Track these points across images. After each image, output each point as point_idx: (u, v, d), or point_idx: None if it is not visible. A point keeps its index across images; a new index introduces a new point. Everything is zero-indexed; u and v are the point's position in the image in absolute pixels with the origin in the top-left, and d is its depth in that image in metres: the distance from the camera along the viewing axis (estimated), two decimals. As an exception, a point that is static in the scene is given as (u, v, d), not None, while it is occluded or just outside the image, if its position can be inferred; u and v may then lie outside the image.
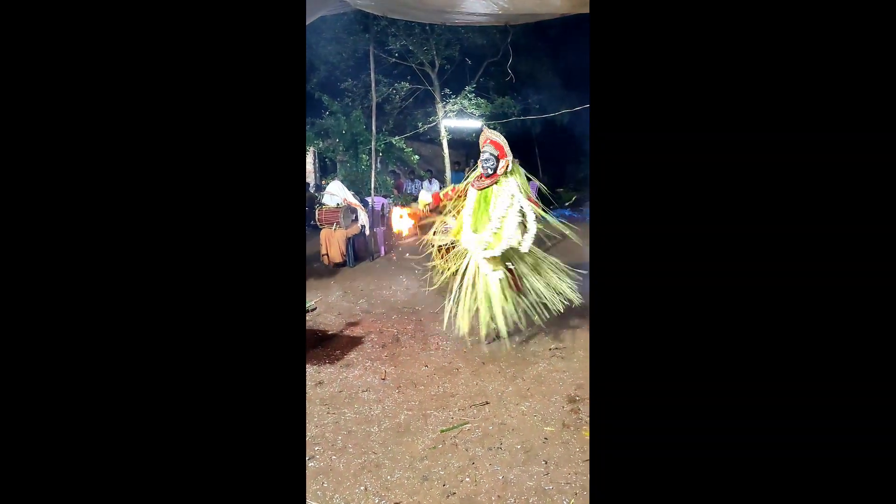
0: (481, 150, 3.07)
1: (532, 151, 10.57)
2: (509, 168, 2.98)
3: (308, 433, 2.26)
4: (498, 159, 3.00)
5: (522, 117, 8.39)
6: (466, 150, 10.24)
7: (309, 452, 2.10)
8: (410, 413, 2.42)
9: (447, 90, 8.46)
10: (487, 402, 2.51)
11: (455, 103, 8.27)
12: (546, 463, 2.01)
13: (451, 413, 2.42)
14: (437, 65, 8.24)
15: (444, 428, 2.28)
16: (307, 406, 2.50)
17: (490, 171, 3.00)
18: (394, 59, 8.08)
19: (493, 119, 8.44)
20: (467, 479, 1.92)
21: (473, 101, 8.25)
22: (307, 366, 2.95)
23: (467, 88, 8.30)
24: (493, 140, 3.03)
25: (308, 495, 1.84)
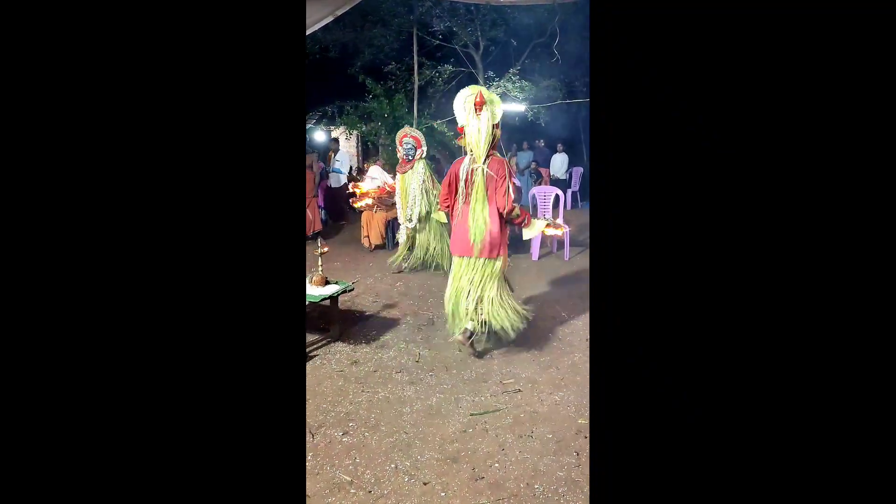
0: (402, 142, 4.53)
1: (577, 136, 10.24)
2: (423, 155, 4.45)
3: (343, 409, 2.32)
4: (416, 148, 4.42)
5: (568, 101, 8.12)
6: (508, 133, 10.05)
7: (343, 428, 2.17)
8: (442, 396, 2.44)
9: (491, 73, 8.29)
10: (520, 390, 2.49)
11: (498, 86, 8.10)
12: (578, 454, 1.98)
13: (482, 398, 2.42)
14: (482, 46, 8.08)
15: (475, 412, 2.29)
16: (343, 383, 2.57)
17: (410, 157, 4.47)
18: (437, 41, 8.00)
19: (538, 103, 8.22)
20: (496, 465, 1.92)
21: (517, 84, 8.05)
22: (343, 344, 3.03)
23: (511, 71, 8.11)
24: (413, 135, 4.48)
25: (340, 469, 1.90)
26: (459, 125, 2.78)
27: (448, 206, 2.89)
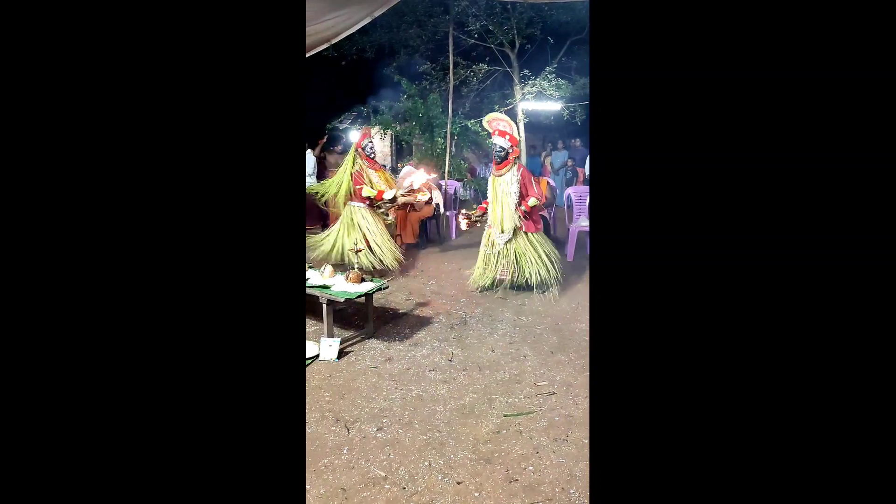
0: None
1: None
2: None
3: (377, 405, 2.35)
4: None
5: (605, 99, 7.92)
6: (543, 133, 9.92)
7: (378, 424, 2.19)
8: (475, 396, 2.44)
9: (526, 71, 8.20)
10: (554, 393, 2.45)
11: (534, 85, 8.01)
12: (614, 460, 1.93)
13: (516, 399, 2.40)
14: (517, 45, 8.00)
15: (509, 413, 2.27)
16: (377, 380, 2.61)
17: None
18: (473, 41, 7.98)
19: (573, 101, 8.07)
20: (531, 468, 1.90)
21: (553, 83, 7.93)
22: (378, 341, 3.07)
23: (547, 69, 8.00)
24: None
25: (375, 464, 1.92)
26: (516, 139, 3.87)
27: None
